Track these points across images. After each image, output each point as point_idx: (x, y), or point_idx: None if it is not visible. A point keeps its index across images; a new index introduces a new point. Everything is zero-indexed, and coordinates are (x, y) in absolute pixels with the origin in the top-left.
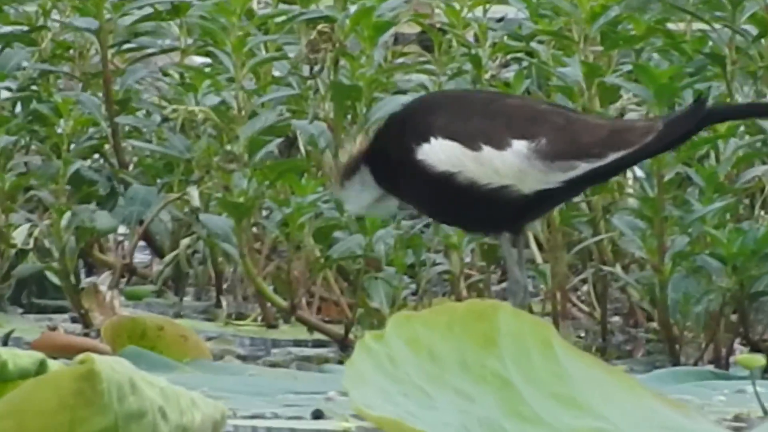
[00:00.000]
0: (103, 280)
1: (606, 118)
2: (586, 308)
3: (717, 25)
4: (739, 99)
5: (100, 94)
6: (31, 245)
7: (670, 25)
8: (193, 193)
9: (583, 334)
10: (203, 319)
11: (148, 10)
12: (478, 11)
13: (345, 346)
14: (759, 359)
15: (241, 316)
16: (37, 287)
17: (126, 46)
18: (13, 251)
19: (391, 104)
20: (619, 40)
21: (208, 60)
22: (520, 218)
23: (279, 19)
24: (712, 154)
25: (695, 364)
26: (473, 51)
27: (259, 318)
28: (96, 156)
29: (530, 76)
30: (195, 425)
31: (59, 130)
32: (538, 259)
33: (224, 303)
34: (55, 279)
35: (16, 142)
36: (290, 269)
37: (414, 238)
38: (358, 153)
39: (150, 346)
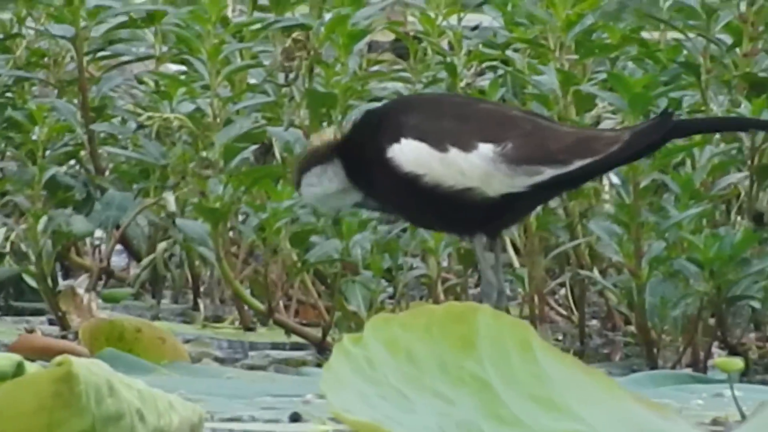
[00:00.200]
0: (81, 282)
1: (576, 127)
2: (564, 312)
3: (691, 34)
4: (714, 108)
5: (76, 101)
6: (7, 249)
7: (645, 34)
8: (169, 198)
9: (561, 338)
10: (181, 321)
11: (123, 18)
12: (453, 19)
13: (322, 349)
14: (737, 363)
15: (218, 319)
16: (15, 290)
17: (101, 53)
18: None
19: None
20: (595, 49)
21: (183, 68)
22: (489, 221)
23: (254, 27)
24: (688, 162)
25: (673, 368)
26: (448, 59)
27: (237, 321)
28: (72, 162)
29: (505, 85)
30: (172, 428)
31: (34, 137)
32: (516, 263)
33: (202, 306)
34: (32, 282)
35: None
36: (267, 273)
37: (391, 242)
38: (328, 143)
39: (128, 349)
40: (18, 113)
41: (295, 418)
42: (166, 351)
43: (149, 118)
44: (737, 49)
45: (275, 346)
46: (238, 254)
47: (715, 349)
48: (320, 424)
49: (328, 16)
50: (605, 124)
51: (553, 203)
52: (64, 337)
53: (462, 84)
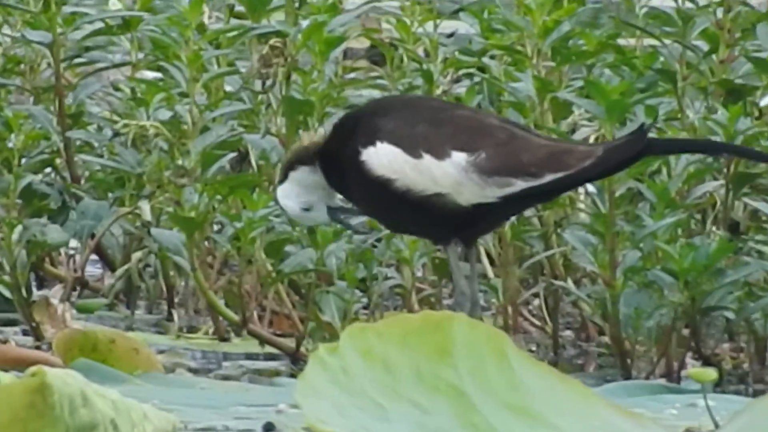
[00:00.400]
0: (55, 293)
1: (551, 139)
2: (537, 322)
3: (667, 41)
4: (690, 115)
5: (52, 108)
6: None
7: (621, 41)
8: (145, 208)
9: (534, 348)
10: (155, 332)
11: (99, 25)
12: (429, 26)
13: (296, 360)
14: (710, 373)
15: (192, 330)
16: None
17: (77, 60)
18: None
19: None
20: (571, 56)
21: (159, 75)
22: (462, 229)
23: (231, 34)
24: (664, 170)
25: (647, 378)
26: (424, 66)
27: (211, 331)
28: (48, 170)
29: (482, 92)
30: None
31: (10, 144)
32: (490, 273)
33: (176, 316)
34: (6, 292)
35: None
36: (242, 283)
37: (365, 252)
38: (308, 148)
39: (101, 359)
40: None
41: (269, 427)
42: (140, 361)
43: (125, 125)
44: (714, 56)
45: (249, 357)
46: (212, 264)
47: (689, 360)
48: None
49: (304, 23)
50: (582, 132)
51: (528, 213)
52: (38, 348)
53: (438, 91)
